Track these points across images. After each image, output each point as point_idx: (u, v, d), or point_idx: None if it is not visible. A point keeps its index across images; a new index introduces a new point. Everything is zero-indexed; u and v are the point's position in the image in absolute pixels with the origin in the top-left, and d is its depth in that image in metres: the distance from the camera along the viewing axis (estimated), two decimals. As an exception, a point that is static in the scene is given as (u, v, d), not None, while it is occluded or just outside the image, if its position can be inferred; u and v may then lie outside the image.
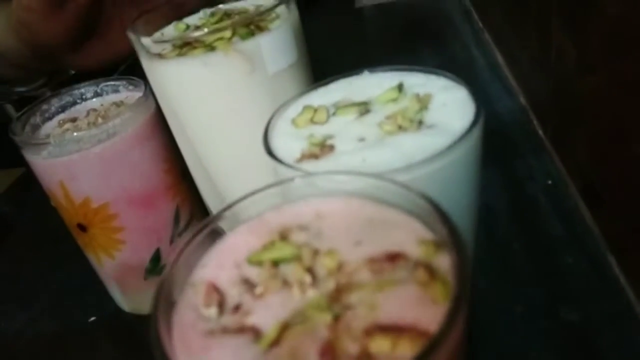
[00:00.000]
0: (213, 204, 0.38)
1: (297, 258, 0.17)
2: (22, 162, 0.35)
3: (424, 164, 0.21)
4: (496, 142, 0.51)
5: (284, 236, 0.18)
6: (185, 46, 0.28)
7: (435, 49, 0.71)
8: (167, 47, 0.28)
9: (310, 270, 0.17)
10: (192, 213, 0.40)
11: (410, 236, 0.17)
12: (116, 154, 0.33)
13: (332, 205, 0.19)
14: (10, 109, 0.72)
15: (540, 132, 0.50)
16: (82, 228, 0.36)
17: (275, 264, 0.17)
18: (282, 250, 0.17)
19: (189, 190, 0.39)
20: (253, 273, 0.17)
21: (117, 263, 0.37)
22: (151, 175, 0.36)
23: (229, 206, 0.19)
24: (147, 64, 0.29)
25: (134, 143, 0.34)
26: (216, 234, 0.19)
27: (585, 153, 0.40)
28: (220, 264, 0.18)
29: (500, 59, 0.64)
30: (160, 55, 0.29)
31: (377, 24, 0.88)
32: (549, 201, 0.42)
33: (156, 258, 0.38)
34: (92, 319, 0.42)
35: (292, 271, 0.17)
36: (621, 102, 0.33)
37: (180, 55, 0.28)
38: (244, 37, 0.27)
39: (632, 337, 0.30)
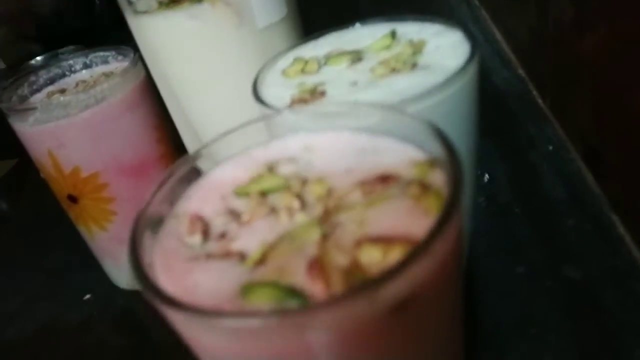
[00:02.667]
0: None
1: (285, 187, 0.16)
2: (15, 153, 0.34)
3: (417, 99, 0.20)
4: (496, 114, 0.50)
5: (271, 168, 0.17)
6: (171, 2, 0.27)
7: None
8: (153, 4, 0.27)
9: (299, 197, 0.16)
10: (186, 185, 0.39)
11: (403, 159, 0.16)
12: (105, 120, 0.32)
13: (322, 138, 0.18)
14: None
15: (540, 101, 0.49)
16: (73, 199, 0.35)
17: (263, 194, 0.17)
18: (270, 181, 0.17)
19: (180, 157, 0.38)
20: (240, 204, 0.16)
21: (109, 235, 0.37)
22: (142, 143, 0.35)
23: (214, 140, 0.18)
24: (132, 21, 0.28)
25: (123, 109, 0.33)
26: (199, 172, 0.18)
27: (585, 116, 0.39)
28: (205, 197, 0.17)
29: (498, 34, 0.63)
30: (145, 11, 0.28)
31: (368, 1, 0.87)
32: (550, 166, 0.41)
33: (149, 230, 0.37)
34: (87, 297, 0.41)
35: (280, 199, 0.16)
36: (620, 61, 0.32)
37: (166, 8, 0.27)
38: (231, -11, 0.27)
39: (637, 294, 0.29)
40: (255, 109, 0.24)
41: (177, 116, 0.34)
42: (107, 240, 0.37)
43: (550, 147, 0.43)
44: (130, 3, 0.27)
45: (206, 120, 0.31)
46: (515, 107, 0.50)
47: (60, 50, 0.80)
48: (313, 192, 0.16)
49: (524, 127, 0.47)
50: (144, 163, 0.35)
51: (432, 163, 0.15)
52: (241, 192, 0.17)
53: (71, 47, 0.80)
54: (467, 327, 0.17)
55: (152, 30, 0.28)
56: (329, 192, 0.16)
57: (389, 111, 0.17)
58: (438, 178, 0.14)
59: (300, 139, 0.18)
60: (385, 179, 0.15)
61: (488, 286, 0.32)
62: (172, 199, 0.17)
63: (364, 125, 0.18)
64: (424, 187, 0.14)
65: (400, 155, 0.16)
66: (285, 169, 0.17)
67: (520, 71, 0.55)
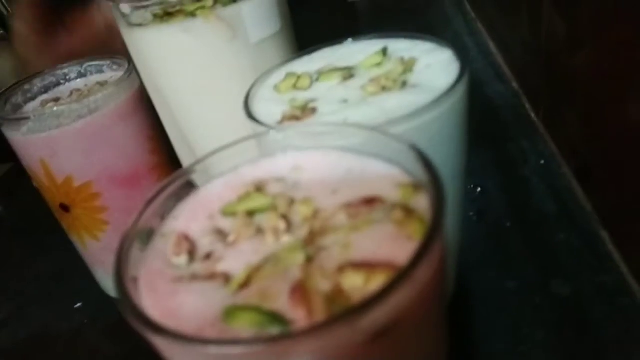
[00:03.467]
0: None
1: (272, 207, 0.16)
2: (9, 158, 0.34)
3: (406, 119, 0.20)
4: (488, 126, 0.50)
5: (259, 188, 0.18)
6: (165, 15, 0.28)
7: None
8: (148, 17, 0.27)
9: (285, 218, 0.16)
10: (179, 195, 0.39)
11: (388, 181, 0.16)
12: (98, 130, 0.32)
13: (310, 158, 0.18)
14: None
15: (533, 115, 0.49)
16: (65, 208, 0.35)
17: (250, 214, 0.17)
18: (257, 201, 0.17)
19: (173, 168, 0.38)
20: (226, 224, 0.17)
21: (101, 245, 0.36)
22: (135, 154, 0.35)
23: (203, 159, 0.18)
24: (126, 33, 0.29)
25: (117, 119, 0.33)
26: (189, 188, 0.18)
27: (576, 131, 0.39)
28: (193, 216, 0.17)
29: (492, 47, 0.64)
30: (139, 23, 0.28)
31: (367, 13, 0.87)
32: (542, 181, 0.41)
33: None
34: (78, 305, 0.41)
35: (266, 219, 0.16)
36: (611, 76, 0.32)
37: (160, 22, 0.27)
38: (225, 3, 0.27)
39: (625, 311, 0.30)
40: (248, 123, 0.24)
41: (170, 128, 0.34)
42: (99, 250, 0.37)
43: (542, 161, 0.43)
44: (124, 15, 0.28)
45: (199, 133, 0.31)
46: (509, 120, 0.51)
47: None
48: (299, 213, 0.16)
49: (517, 140, 0.47)
50: (137, 173, 0.35)
51: (416, 187, 0.15)
52: (228, 212, 0.17)
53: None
54: (454, 343, 0.18)
55: (146, 43, 0.28)
56: (315, 213, 0.16)
57: (376, 133, 0.17)
58: (422, 202, 0.15)
59: (290, 158, 0.19)
60: (370, 202, 0.15)
61: (477, 301, 0.32)
62: (161, 215, 0.17)
63: (352, 145, 0.18)
64: (408, 212, 0.14)
65: (386, 177, 0.16)
66: (273, 189, 0.17)
67: (514, 84, 0.55)
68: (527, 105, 0.51)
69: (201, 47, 0.27)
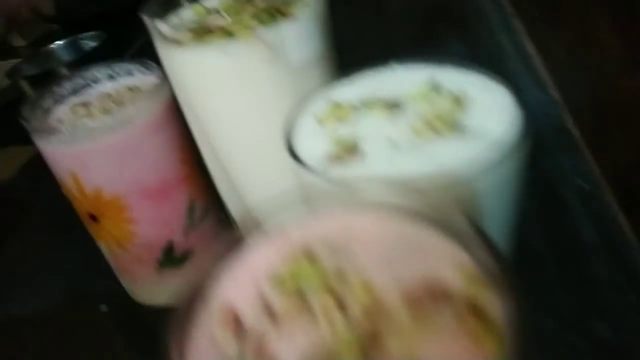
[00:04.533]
0: (228, 196, 0.36)
1: (323, 283, 0.15)
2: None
3: (461, 174, 0.19)
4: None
5: (308, 254, 0.16)
6: (203, 32, 0.26)
7: (460, 34, 0.68)
8: (186, 35, 0.26)
9: (338, 300, 0.15)
10: (207, 204, 0.38)
11: (448, 260, 0.15)
12: (130, 144, 0.32)
13: (362, 221, 0.17)
14: (24, 84, 0.71)
15: (574, 129, 0.47)
16: (94, 218, 0.35)
17: (299, 287, 0.16)
18: (307, 272, 0.16)
19: (203, 180, 0.37)
20: (275, 298, 0.16)
21: (128, 254, 0.36)
22: (166, 165, 0.34)
23: (248, 216, 0.17)
24: (162, 50, 0.27)
25: (149, 132, 0.32)
26: (234, 246, 0.17)
27: (625, 156, 0.37)
28: (239, 283, 0.16)
29: (531, 48, 0.61)
30: (175, 41, 0.27)
31: (397, 4, 0.84)
32: (583, 207, 0.39)
33: (169, 250, 0.37)
34: (104, 306, 0.41)
35: (318, 299, 0.15)
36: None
37: (198, 41, 0.26)
38: (266, 24, 0.25)
39: (670, 358, 0.28)
40: (286, 150, 0.23)
41: (202, 142, 0.33)
42: (126, 259, 0.37)
43: (584, 184, 0.41)
44: (160, 32, 0.26)
45: (233, 155, 0.30)
46: (547, 133, 0.48)
47: (80, 35, 0.79)
48: (355, 297, 0.15)
49: (556, 157, 0.45)
50: (167, 185, 0.35)
51: (485, 280, 0.14)
52: (276, 282, 0.16)
53: (92, 33, 0.79)
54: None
55: (182, 63, 0.27)
56: (373, 298, 0.15)
57: (438, 206, 0.16)
58: (494, 306, 0.13)
59: (339, 218, 0.17)
60: (435, 296, 0.14)
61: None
62: (206, 280, 0.16)
63: (408, 209, 0.17)
64: (480, 317, 0.13)
65: (447, 257, 0.15)
66: (323, 257, 0.16)
67: (554, 93, 0.53)
68: (569, 119, 0.48)
69: (240, 70, 0.26)
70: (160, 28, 0.26)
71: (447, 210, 0.16)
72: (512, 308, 0.13)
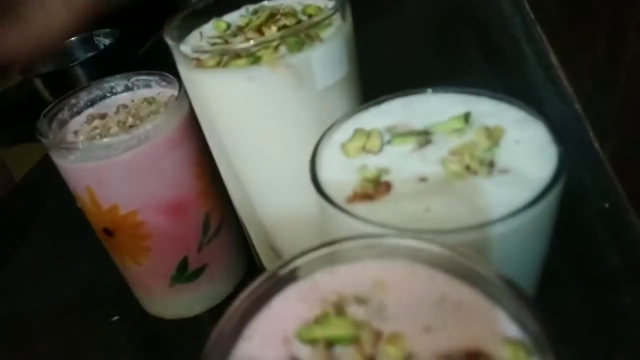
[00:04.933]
0: (244, 213, 0.36)
1: (355, 340, 0.15)
2: None
3: (499, 223, 0.18)
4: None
5: (339, 309, 0.16)
6: (228, 55, 0.25)
7: (481, 42, 0.67)
8: (210, 60, 0.25)
9: (369, 356, 0.14)
10: (222, 219, 0.38)
11: (491, 330, 0.14)
12: (147, 160, 0.31)
13: (395, 274, 0.17)
14: (38, 82, 0.70)
15: (597, 145, 0.46)
16: (109, 233, 0.34)
17: (330, 344, 0.15)
18: (338, 329, 0.15)
19: (219, 195, 0.37)
20: (304, 353, 0.15)
21: (143, 269, 0.36)
22: (182, 181, 0.34)
23: (278, 269, 0.16)
24: (185, 72, 0.27)
25: (166, 149, 0.32)
26: (262, 297, 0.17)
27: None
28: (267, 338, 0.16)
29: (554, 58, 0.59)
30: (198, 62, 0.26)
31: (417, 8, 0.83)
32: (605, 229, 0.38)
33: (183, 266, 0.36)
34: (115, 318, 0.41)
35: (350, 357, 0.14)
36: None
37: (222, 65, 0.25)
38: (292, 50, 0.24)
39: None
40: (309, 175, 0.22)
41: (220, 161, 0.32)
42: (140, 273, 0.36)
43: (606, 204, 0.40)
44: (185, 56, 0.25)
45: (254, 178, 0.29)
46: (567, 147, 0.47)
47: (95, 32, 0.79)
48: (389, 356, 0.14)
49: (576, 172, 0.44)
50: (182, 201, 0.34)
51: (529, 350, 0.13)
52: (305, 338, 0.15)
53: (105, 30, 0.78)
54: None
55: (206, 86, 0.26)
56: (405, 356, 0.14)
57: (479, 265, 0.15)
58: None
59: (370, 270, 0.17)
60: (472, 358, 0.14)
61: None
62: (234, 333, 0.16)
63: (444, 264, 0.16)
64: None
65: (488, 322, 0.14)
66: (354, 311, 0.16)
67: (577, 106, 0.52)
68: (591, 133, 0.47)
69: (265, 95, 0.25)
70: (184, 51, 0.25)
71: (494, 277, 0.15)
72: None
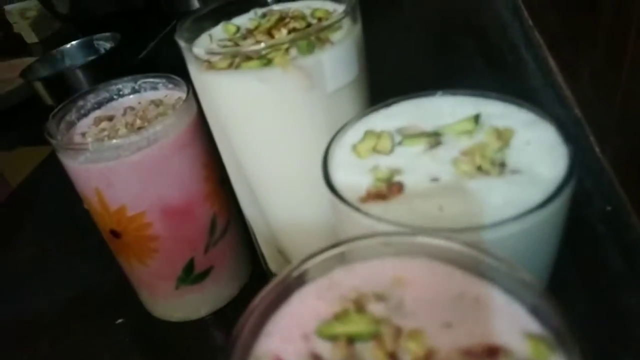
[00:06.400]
0: (252, 215, 0.36)
1: (376, 336, 0.15)
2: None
3: (514, 221, 0.18)
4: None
5: (359, 306, 0.16)
6: (239, 57, 0.26)
7: (480, 47, 0.67)
8: (222, 61, 0.25)
9: (392, 356, 0.14)
10: (228, 221, 0.38)
11: (511, 325, 0.14)
12: (156, 162, 0.31)
13: (413, 271, 0.17)
14: (38, 86, 0.70)
15: (597, 150, 0.47)
16: (116, 234, 0.34)
17: (350, 340, 0.15)
18: (358, 325, 0.15)
19: (226, 197, 0.37)
20: (325, 349, 0.15)
21: (149, 270, 0.36)
22: (190, 183, 0.34)
23: (294, 268, 0.17)
24: (196, 73, 0.27)
25: (175, 150, 0.32)
26: (280, 295, 0.17)
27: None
28: (287, 335, 0.16)
29: (552, 64, 0.60)
30: (210, 64, 0.26)
31: (416, 15, 0.83)
32: (608, 231, 0.39)
33: (189, 267, 0.36)
34: (120, 320, 0.41)
35: (371, 353, 0.15)
36: None
37: (233, 67, 0.25)
38: (303, 51, 0.25)
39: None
40: (320, 175, 0.22)
41: (229, 162, 0.32)
42: (146, 274, 0.36)
43: (608, 207, 0.41)
44: (196, 58, 0.26)
45: (263, 179, 0.30)
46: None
47: (95, 36, 0.79)
48: (410, 351, 0.14)
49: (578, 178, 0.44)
50: (190, 202, 0.34)
51: (551, 345, 0.14)
52: (326, 334, 0.15)
53: (106, 34, 0.78)
54: None
55: (217, 88, 0.26)
56: (429, 355, 0.14)
57: (498, 261, 0.15)
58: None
59: (388, 267, 0.17)
60: (493, 353, 0.14)
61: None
62: (254, 331, 0.16)
63: (462, 261, 0.16)
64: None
65: (508, 317, 0.15)
66: (374, 309, 0.16)
67: (577, 111, 0.52)
68: (592, 138, 0.48)
69: (276, 97, 0.25)
70: (197, 53, 0.25)
71: (514, 272, 0.15)
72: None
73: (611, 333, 0.32)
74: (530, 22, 0.70)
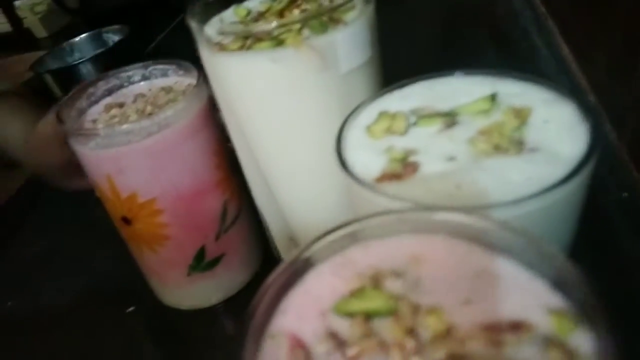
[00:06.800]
0: (263, 201, 0.36)
1: (393, 312, 0.15)
2: None
3: (534, 199, 0.18)
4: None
5: (375, 282, 0.16)
6: (251, 38, 0.25)
7: (493, 35, 0.66)
8: (233, 42, 0.25)
9: (411, 331, 0.14)
10: (240, 208, 0.38)
11: (533, 300, 0.14)
12: (167, 147, 0.31)
13: (431, 248, 0.16)
14: (48, 78, 0.70)
15: (614, 136, 0.46)
16: (127, 221, 0.34)
17: (368, 316, 0.15)
18: (376, 301, 0.15)
19: (237, 184, 0.37)
20: (342, 326, 0.15)
21: (160, 258, 0.36)
22: (202, 170, 0.34)
23: (308, 246, 0.16)
24: (207, 55, 0.27)
25: (186, 136, 0.32)
26: (296, 273, 0.16)
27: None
28: (303, 312, 0.15)
29: (566, 51, 0.59)
30: (221, 45, 0.26)
31: (428, 2, 0.82)
32: (624, 218, 0.38)
33: (200, 255, 0.36)
34: (131, 309, 0.41)
35: (389, 330, 0.14)
36: None
37: (245, 48, 0.25)
38: (316, 31, 0.24)
39: None
40: (333, 157, 0.22)
41: (240, 148, 0.32)
42: (156, 262, 0.36)
43: (625, 194, 0.40)
44: (208, 39, 0.25)
45: (275, 163, 0.29)
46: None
47: (104, 29, 0.79)
48: (428, 327, 0.14)
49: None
50: (201, 189, 0.34)
51: (576, 318, 0.13)
52: (343, 311, 0.15)
53: (115, 27, 0.78)
54: None
55: (228, 69, 0.26)
56: (448, 330, 0.14)
57: (520, 236, 0.15)
58: (585, 344, 0.13)
59: (405, 244, 0.17)
60: (516, 327, 0.13)
61: None
62: (268, 309, 0.16)
63: (480, 237, 0.16)
64: (564, 351, 0.12)
65: (530, 294, 0.14)
66: (391, 286, 0.16)
67: (592, 98, 0.51)
68: (608, 124, 0.47)
69: (289, 77, 0.25)
70: (208, 33, 0.25)
71: (537, 245, 0.15)
72: (608, 348, 0.12)
73: (628, 320, 0.31)
74: (543, 9, 0.69)
